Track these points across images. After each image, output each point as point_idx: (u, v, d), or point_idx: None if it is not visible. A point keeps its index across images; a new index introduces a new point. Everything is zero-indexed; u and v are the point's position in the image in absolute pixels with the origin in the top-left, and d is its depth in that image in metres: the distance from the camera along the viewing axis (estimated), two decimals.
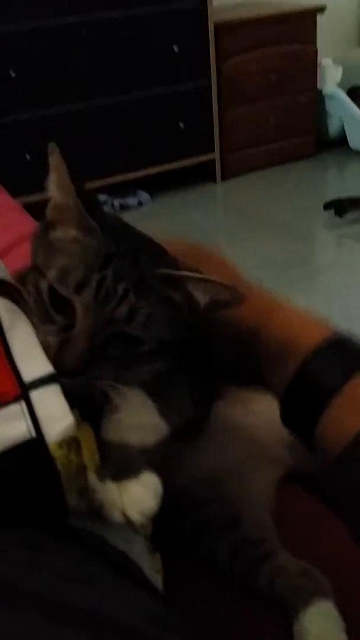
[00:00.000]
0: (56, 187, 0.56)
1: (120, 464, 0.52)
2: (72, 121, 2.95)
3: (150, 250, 0.57)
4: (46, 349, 0.52)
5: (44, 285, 0.53)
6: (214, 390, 0.68)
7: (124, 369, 0.54)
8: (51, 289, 0.52)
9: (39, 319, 0.53)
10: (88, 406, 0.53)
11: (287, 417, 0.58)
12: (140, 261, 0.54)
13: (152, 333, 0.54)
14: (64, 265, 0.52)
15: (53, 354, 0.52)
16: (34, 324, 0.53)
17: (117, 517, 0.49)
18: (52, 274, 0.52)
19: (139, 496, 0.50)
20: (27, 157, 2.89)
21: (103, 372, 0.53)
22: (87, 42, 2.87)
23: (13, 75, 2.77)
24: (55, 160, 0.56)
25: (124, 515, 0.49)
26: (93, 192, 0.58)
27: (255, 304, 0.59)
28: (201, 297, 0.55)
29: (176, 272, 0.55)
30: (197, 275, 0.55)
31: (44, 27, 2.76)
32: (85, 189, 0.56)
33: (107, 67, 2.96)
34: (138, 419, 0.54)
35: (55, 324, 0.53)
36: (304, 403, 0.56)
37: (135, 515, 0.49)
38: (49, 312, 0.53)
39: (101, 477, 0.50)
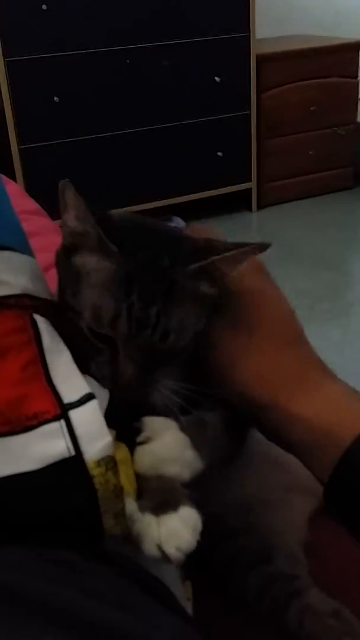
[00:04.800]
0: (74, 219, 0.57)
1: (160, 496, 0.51)
2: (111, 146, 3.00)
3: (171, 246, 0.57)
4: (102, 380, 0.55)
5: (83, 325, 0.55)
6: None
7: (167, 367, 0.57)
8: (90, 328, 0.55)
9: (88, 352, 0.56)
10: (125, 428, 0.52)
11: (331, 503, 0.54)
12: (163, 266, 0.55)
13: (186, 335, 0.56)
14: (93, 303, 0.55)
15: (108, 383, 0.55)
16: (72, 350, 0.54)
17: (153, 550, 0.49)
18: (87, 315, 0.55)
19: (176, 531, 0.49)
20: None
21: (157, 379, 0.56)
22: (131, 70, 2.92)
23: (56, 100, 2.83)
24: (70, 195, 0.56)
25: (160, 549, 0.49)
26: (106, 212, 0.58)
27: (280, 378, 0.55)
28: (230, 270, 0.56)
29: (203, 263, 0.55)
30: (224, 255, 0.55)
31: (89, 54, 2.82)
32: (99, 212, 0.57)
33: (149, 95, 3.00)
34: (172, 453, 0.54)
35: (103, 354, 0.55)
36: (350, 494, 0.51)
37: (171, 550, 0.49)
38: (94, 345, 0.55)
39: (141, 509, 0.50)
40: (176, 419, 0.55)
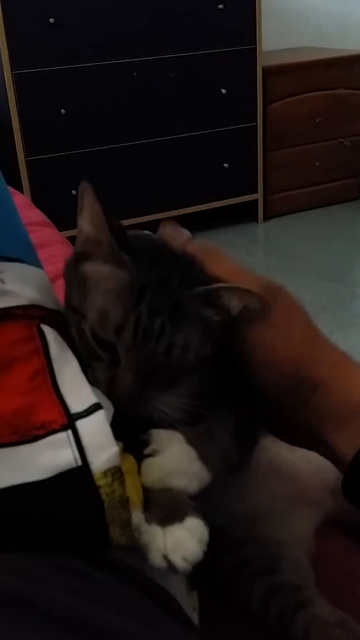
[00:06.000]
0: (89, 224, 0.57)
1: (166, 508, 0.51)
2: (118, 159, 3.01)
3: (181, 269, 0.58)
4: (97, 385, 0.54)
5: (86, 329, 0.55)
6: (258, 429, 0.67)
7: (169, 386, 0.57)
8: (93, 332, 0.55)
9: (87, 356, 0.56)
10: (132, 440, 0.53)
11: (350, 487, 0.56)
12: (172, 286, 0.56)
13: (189, 356, 0.56)
14: (101, 308, 0.55)
15: (105, 390, 0.54)
16: (81, 360, 0.55)
17: (159, 561, 0.49)
18: (92, 318, 0.55)
19: (183, 542, 0.49)
20: (73, 192, 2.94)
21: (153, 394, 0.56)
22: (137, 83, 2.93)
23: (63, 112, 2.85)
24: (88, 198, 0.57)
25: (166, 559, 0.49)
26: (121, 224, 0.58)
27: (325, 357, 0.58)
28: (234, 305, 0.57)
29: (211, 287, 0.56)
30: (231, 285, 0.57)
31: (95, 67, 2.84)
32: (115, 221, 0.57)
33: (156, 107, 3.02)
34: (179, 465, 0.54)
35: (102, 360, 0.55)
36: None
37: (178, 560, 0.49)
38: (95, 351, 0.55)
39: (148, 520, 0.50)
40: (183, 431, 0.56)
